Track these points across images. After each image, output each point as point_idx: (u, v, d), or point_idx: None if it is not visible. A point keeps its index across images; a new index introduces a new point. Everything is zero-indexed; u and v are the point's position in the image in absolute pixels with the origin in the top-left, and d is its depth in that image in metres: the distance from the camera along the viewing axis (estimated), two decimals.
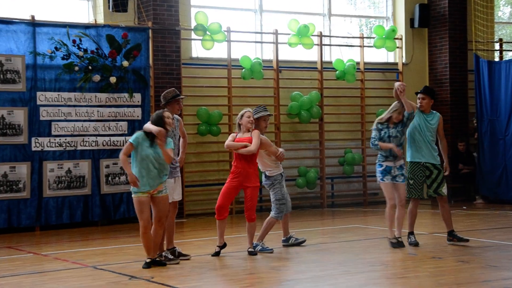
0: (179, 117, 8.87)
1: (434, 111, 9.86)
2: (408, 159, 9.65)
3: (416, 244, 9.38)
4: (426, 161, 9.51)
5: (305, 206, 14.57)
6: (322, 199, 14.84)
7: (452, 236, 9.59)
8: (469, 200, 15.21)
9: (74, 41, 12.12)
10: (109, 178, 12.41)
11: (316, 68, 14.84)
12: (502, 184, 14.83)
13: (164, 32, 13.06)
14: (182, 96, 8.88)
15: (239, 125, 9.01)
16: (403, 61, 15.84)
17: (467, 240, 9.52)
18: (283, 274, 7.92)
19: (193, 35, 13.62)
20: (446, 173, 9.62)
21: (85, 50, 12.21)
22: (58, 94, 12.13)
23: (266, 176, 9.28)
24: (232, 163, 9.05)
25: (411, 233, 9.64)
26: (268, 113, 9.42)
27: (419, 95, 9.79)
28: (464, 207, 14.22)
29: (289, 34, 14.31)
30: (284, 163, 13.72)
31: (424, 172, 9.53)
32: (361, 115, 15.37)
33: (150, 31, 12.87)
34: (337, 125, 15.23)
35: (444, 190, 9.61)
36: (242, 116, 9.01)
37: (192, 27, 13.53)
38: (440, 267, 7.99)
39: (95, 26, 12.53)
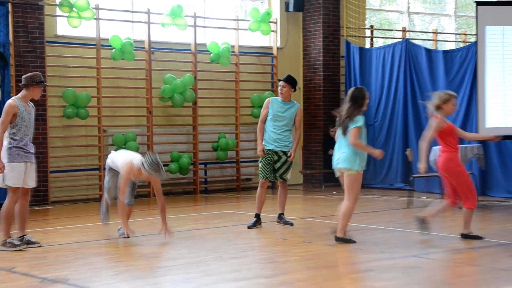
0: (33, 104, 8.77)
1: (294, 101, 10.25)
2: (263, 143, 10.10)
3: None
4: (273, 147, 10.02)
5: (177, 192, 14.67)
6: (195, 184, 14.97)
7: (280, 218, 10.20)
8: (338, 185, 15.66)
9: None
10: None
11: (190, 50, 14.90)
12: (370, 170, 15.20)
13: (25, 6, 12.79)
14: (46, 83, 8.82)
15: (438, 107, 8.87)
16: (278, 45, 16.10)
17: (292, 224, 10.12)
18: (154, 261, 8.01)
19: (58, 11, 13.38)
20: (290, 159, 10.11)
21: None
22: None
23: None
24: None
25: (280, 215, 10.11)
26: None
27: (280, 82, 10.15)
28: (334, 192, 14.56)
29: (162, 14, 14.30)
30: (156, 148, 13.96)
31: (273, 157, 10.01)
32: (235, 99, 15.54)
33: (9, 4, 12.57)
34: (211, 110, 15.37)
35: (288, 176, 10.21)
36: (447, 100, 8.87)
37: (57, 2, 13.26)
38: (310, 251, 8.28)
39: None
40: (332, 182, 15.76)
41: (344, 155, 8.64)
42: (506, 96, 12.28)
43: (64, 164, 13.63)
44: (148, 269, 7.62)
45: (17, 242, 8.50)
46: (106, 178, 9.48)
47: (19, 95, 8.63)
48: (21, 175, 8.45)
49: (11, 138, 8.43)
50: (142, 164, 8.75)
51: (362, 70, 15.58)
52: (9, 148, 8.42)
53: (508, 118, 12.32)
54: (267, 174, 10.05)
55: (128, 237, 9.02)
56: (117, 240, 8.98)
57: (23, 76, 8.66)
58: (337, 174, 8.92)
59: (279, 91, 10.14)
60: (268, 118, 10.05)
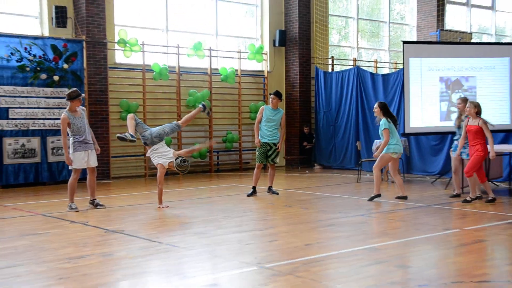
0: (83, 107, 8.73)
1: (280, 108, 10.26)
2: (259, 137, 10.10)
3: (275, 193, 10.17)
4: (267, 140, 10.02)
5: (198, 171, 14.71)
6: (210, 166, 14.99)
7: (269, 190, 10.25)
8: (310, 167, 15.81)
9: (25, 48, 11.71)
10: (54, 150, 12.11)
11: (207, 73, 14.91)
12: (332, 156, 15.46)
13: (94, 43, 12.80)
14: (83, 95, 8.78)
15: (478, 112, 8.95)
16: (268, 69, 16.11)
17: (277, 194, 10.16)
18: (181, 219, 8.04)
19: (117, 46, 13.40)
20: (278, 150, 10.16)
21: (34, 56, 11.82)
22: (14, 88, 11.69)
23: None
24: None
25: (269, 187, 10.14)
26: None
27: (271, 95, 10.19)
28: (307, 172, 14.68)
29: (187, 47, 14.32)
30: (183, 141, 13.94)
31: (266, 147, 10.00)
32: (238, 107, 15.55)
33: (84, 42, 12.58)
34: (221, 114, 15.37)
35: (277, 160, 10.26)
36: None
37: (116, 40, 13.31)
38: (289, 212, 8.34)
39: (42, 37, 12.13)
40: (306, 164, 15.87)
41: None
42: (423, 106, 12.36)
43: (121, 151, 13.64)
44: (177, 224, 7.67)
45: (74, 206, 8.55)
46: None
47: (67, 108, 8.55)
48: (82, 160, 8.46)
49: (74, 136, 8.47)
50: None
51: (326, 87, 15.59)
52: (73, 143, 8.48)
53: (424, 121, 12.41)
54: (262, 159, 10.08)
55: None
56: (156, 205, 8.99)
57: (67, 94, 8.59)
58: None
59: (270, 101, 10.16)
60: (263, 120, 10.08)
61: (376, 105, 9.48)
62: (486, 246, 6.19)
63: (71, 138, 8.48)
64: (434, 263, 5.43)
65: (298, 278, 4.87)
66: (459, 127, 9.67)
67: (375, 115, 9.55)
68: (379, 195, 9.32)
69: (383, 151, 9.28)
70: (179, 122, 9.17)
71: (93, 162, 8.66)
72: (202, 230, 7.03)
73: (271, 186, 10.28)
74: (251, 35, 16.41)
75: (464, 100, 9.67)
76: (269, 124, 10.05)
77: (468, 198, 9.04)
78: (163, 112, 14.27)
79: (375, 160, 11.74)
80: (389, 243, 6.17)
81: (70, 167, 8.57)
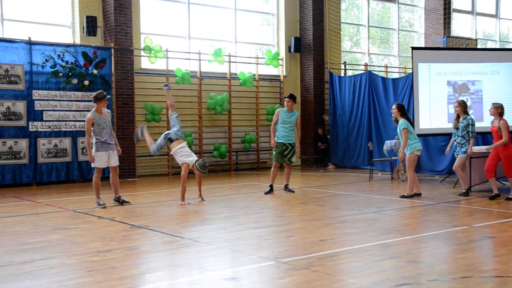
0: (108, 110, 8.72)
1: (295, 110, 10.15)
2: (275, 139, 9.98)
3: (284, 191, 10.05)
4: (283, 141, 9.90)
5: (218, 170, 14.69)
6: (230, 165, 14.94)
7: (286, 188, 10.15)
8: (324, 166, 15.70)
9: (59, 56, 11.78)
10: (84, 150, 12.17)
11: (226, 77, 14.87)
12: (345, 155, 15.35)
13: (122, 50, 12.83)
14: (108, 96, 8.78)
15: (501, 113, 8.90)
16: (284, 74, 16.05)
17: (293, 192, 10.03)
18: (203, 215, 8.01)
19: (142, 53, 13.43)
20: (297, 150, 10.09)
21: (67, 62, 11.89)
22: (48, 92, 11.78)
23: None
24: None
25: (286, 185, 10.05)
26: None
27: (286, 98, 10.08)
28: (321, 171, 14.58)
29: (208, 54, 14.30)
30: (204, 141, 13.94)
31: (283, 147, 9.90)
32: (256, 109, 15.48)
33: (112, 49, 12.62)
34: (240, 116, 15.32)
35: (293, 159, 10.12)
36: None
37: (142, 48, 13.33)
38: (305, 209, 8.25)
39: (74, 45, 12.19)
40: (320, 164, 15.76)
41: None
42: (431, 108, 12.20)
43: (146, 151, 13.61)
44: (198, 220, 7.62)
45: (102, 202, 8.53)
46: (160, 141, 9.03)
47: (93, 109, 8.54)
48: (103, 160, 8.45)
49: (96, 136, 8.45)
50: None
51: (341, 91, 15.47)
52: (96, 143, 8.46)
53: (432, 123, 12.25)
54: (278, 159, 9.98)
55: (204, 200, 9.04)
56: (178, 202, 8.96)
57: (93, 96, 8.59)
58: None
59: (285, 104, 10.06)
60: (279, 122, 9.98)
61: (394, 106, 9.44)
62: (495, 242, 6.04)
63: (93, 138, 8.47)
64: (443, 258, 5.31)
65: (314, 272, 4.78)
66: (456, 128, 9.54)
67: (393, 115, 9.48)
68: (419, 194, 9.18)
69: (408, 152, 9.15)
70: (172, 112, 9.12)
71: (114, 162, 8.64)
72: (222, 226, 6.98)
73: (288, 185, 10.19)
74: (268, 42, 16.36)
75: (461, 103, 9.53)
76: (285, 126, 9.96)
77: (510, 196, 8.88)
78: (186, 115, 14.25)
79: (387, 159, 11.64)
80: (400, 239, 6.06)
81: (92, 165, 8.57)
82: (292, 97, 10.05)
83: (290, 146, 10.00)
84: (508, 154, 8.80)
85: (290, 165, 10.19)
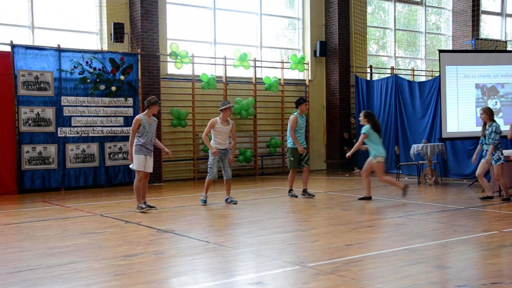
0: (155, 119, 8.87)
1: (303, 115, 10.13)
2: (290, 145, 9.90)
3: (295, 196, 9.99)
4: (304, 147, 9.90)
5: (243, 174, 14.70)
6: (255, 169, 14.95)
7: (305, 192, 10.02)
8: (350, 170, 15.58)
9: (87, 62, 11.96)
10: (111, 155, 12.32)
11: (252, 82, 14.90)
12: None
13: (148, 56, 12.98)
14: (159, 101, 8.90)
15: None
16: (309, 78, 16.00)
17: (314, 196, 9.96)
18: (229, 219, 8.03)
19: (169, 59, 13.55)
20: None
21: (95, 68, 12.06)
22: (76, 98, 11.96)
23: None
24: None
25: (304, 190, 9.98)
26: (232, 105, 9.46)
27: (306, 102, 10.03)
28: (347, 175, 14.50)
29: (233, 59, 14.35)
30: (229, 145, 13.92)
31: (301, 154, 9.88)
32: (281, 114, 15.45)
33: (139, 55, 12.77)
34: (265, 121, 15.32)
35: (308, 162, 10.10)
36: None
37: (168, 53, 13.45)
38: (330, 214, 8.21)
39: (101, 52, 12.38)
40: (346, 168, 15.65)
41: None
42: (459, 112, 12.03)
43: (172, 156, 13.71)
44: (224, 225, 7.64)
45: (144, 206, 8.60)
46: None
47: (144, 112, 8.71)
48: (142, 163, 8.53)
49: (138, 139, 8.53)
50: None
51: (368, 94, 15.35)
52: (136, 145, 8.52)
53: (460, 126, 12.07)
54: (296, 165, 9.97)
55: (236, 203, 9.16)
56: (203, 206, 9.00)
57: (146, 100, 8.76)
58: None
59: (305, 108, 9.95)
60: (296, 128, 9.89)
61: (361, 114, 9.52)
62: None
63: (135, 140, 8.57)
64: (472, 264, 5.22)
65: (340, 277, 4.75)
66: (484, 136, 9.35)
67: (360, 123, 9.50)
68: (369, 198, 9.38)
69: (374, 161, 9.31)
70: None
71: (150, 168, 8.72)
72: (247, 230, 6.98)
73: (306, 189, 10.10)
74: (293, 46, 16.34)
75: (486, 110, 9.36)
76: (300, 131, 9.92)
77: None
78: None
79: (414, 163, 11.57)
80: (427, 244, 5.98)
81: (131, 167, 8.65)
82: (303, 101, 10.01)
83: (306, 150, 9.96)
84: None
85: (308, 169, 10.09)
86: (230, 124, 9.21)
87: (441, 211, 8.36)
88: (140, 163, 8.52)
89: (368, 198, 9.34)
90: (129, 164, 8.75)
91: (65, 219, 8.16)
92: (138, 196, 8.63)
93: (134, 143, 8.55)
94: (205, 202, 9.17)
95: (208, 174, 9.19)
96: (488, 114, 9.30)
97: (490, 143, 9.16)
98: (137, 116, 8.62)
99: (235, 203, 9.05)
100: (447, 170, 13.18)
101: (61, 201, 10.20)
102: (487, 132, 9.23)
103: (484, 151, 9.45)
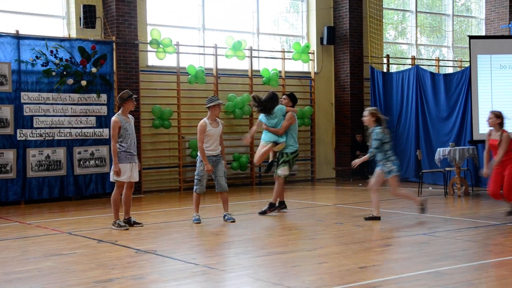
0: (132, 116, 8.85)
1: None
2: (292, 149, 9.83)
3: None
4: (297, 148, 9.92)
5: (238, 184, 14.69)
6: (251, 178, 14.96)
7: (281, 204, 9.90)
8: (363, 179, 15.55)
9: (51, 52, 11.95)
10: (81, 162, 12.30)
11: (247, 75, 14.93)
12: None
13: (125, 45, 12.98)
14: (135, 96, 8.88)
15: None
16: (315, 70, 16.04)
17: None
18: (221, 237, 8.02)
19: (149, 48, 13.55)
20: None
21: (61, 59, 12.05)
22: (39, 94, 11.94)
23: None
24: None
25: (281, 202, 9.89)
26: (222, 102, 9.36)
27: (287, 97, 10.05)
28: (360, 184, 14.48)
29: (226, 48, 14.37)
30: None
31: None
32: None
33: (114, 44, 12.76)
34: None
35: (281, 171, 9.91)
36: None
37: (148, 41, 13.45)
38: (341, 230, 8.20)
39: (69, 39, 12.37)
40: (359, 176, 15.64)
41: None
42: (494, 109, 12.04)
43: (153, 162, 13.75)
44: (216, 244, 7.63)
45: (123, 224, 8.57)
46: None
47: (119, 111, 8.70)
48: (128, 172, 8.51)
49: (119, 145, 8.50)
50: None
51: (385, 89, 15.36)
52: (118, 153, 8.50)
53: None
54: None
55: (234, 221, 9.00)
56: (192, 221, 8.98)
57: (118, 96, 8.75)
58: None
59: (286, 103, 9.93)
60: (293, 127, 9.86)
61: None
62: None
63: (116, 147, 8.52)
64: None
65: None
66: None
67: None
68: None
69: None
70: None
71: (136, 177, 8.70)
72: (243, 250, 6.97)
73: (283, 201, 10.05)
74: (296, 32, 16.37)
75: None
76: (296, 131, 9.89)
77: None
78: (200, 119, 14.23)
79: (440, 171, 11.51)
80: (457, 267, 5.98)
81: (112, 179, 8.62)
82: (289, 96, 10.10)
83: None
84: None
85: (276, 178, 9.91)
86: (220, 125, 9.14)
87: (473, 227, 8.36)
88: (125, 172, 8.49)
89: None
90: (109, 174, 8.69)
91: (26, 239, 8.11)
92: (116, 211, 8.60)
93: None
94: (199, 220, 9.02)
95: (195, 187, 8.99)
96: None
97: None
98: (113, 118, 8.58)
99: (233, 221, 9.00)
100: (479, 178, 13.18)
101: (21, 217, 10.16)
102: None
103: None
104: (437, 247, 7.03)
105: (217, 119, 9.12)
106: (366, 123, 9.09)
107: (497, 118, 8.95)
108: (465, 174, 12.69)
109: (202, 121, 9.06)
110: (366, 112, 9.09)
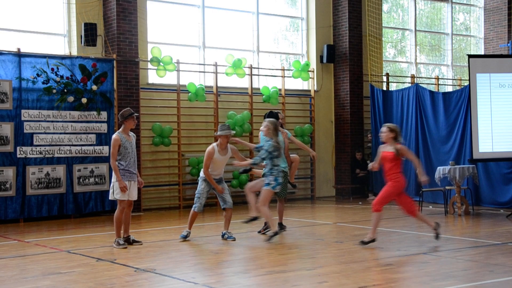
0: (134, 134, 8.86)
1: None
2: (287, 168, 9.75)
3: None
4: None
5: (238, 202, 14.61)
6: None
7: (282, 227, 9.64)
8: (364, 197, 15.53)
9: (52, 69, 11.98)
10: (81, 180, 12.27)
11: (247, 93, 14.94)
12: None
13: (126, 62, 13.01)
14: (136, 114, 8.88)
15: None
16: (315, 88, 16.06)
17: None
18: (221, 256, 7.98)
19: (149, 65, 13.59)
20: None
21: (62, 77, 12.07)
22: (39, 112, 11.95)
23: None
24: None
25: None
26: (233, 132, 9.35)
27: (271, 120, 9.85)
28: (360, 203, 14.45)
29: (226, 65, 14.41)
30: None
31: None
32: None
33: (114, 61, 12.80)
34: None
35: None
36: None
37: (149, 59, 13.49)
38: (341, 249, 8.16)
39: (70, 57, 12.40)
40: (358, 194, 15.60)
41: None
42: (493, 128, 12.05)
43: (153, 180, 13.71)
44: (215, 262, 7.60)
45: (122, 242, 8.53)
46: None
47: (120, 129, 8.69)
48: (126, 191, 8.49)
49: (118, 163, 8.49)
50: None
51: (385, 107, 15.36)
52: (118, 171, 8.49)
53: (495, 145, 12.08)
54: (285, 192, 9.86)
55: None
56: (192, 240, 8.95)
57: (119, 114, 8.76)
58: None
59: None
60: (284, 147, 9.77)
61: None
62: None
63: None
64: None
65: None
66: None
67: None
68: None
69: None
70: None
71: (135, 195, 8.69)
72: (243, 269, 6.93)
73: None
74: (295, 51, 16.43)
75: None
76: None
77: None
78: (200, 137, 14.31)
79: (440, 189, 11.46)
80: (457, 287, 5.91)
81: (111, 197, 8.59)
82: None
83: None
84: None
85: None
86: (229, 152, 9.07)
87: (474, 247, 8.32)
88: (125, 191, 8.47)
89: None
90: (108, 192, 8.66)
91: (25, 257, 8.07)
92: (118, 229, 8.57)
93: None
94: (185, 237, 9.01)
95: (194, 206, 9.01)
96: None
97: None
98: (114, 136, 8.58)
99: (234, 240, 8.96)
100: (479, 197, 13.15)
101: (20, 235, 10.11)
102: None
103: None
104: (437, 267, 6.99)
105: (228, 146, 9.06)
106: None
107: (391, 132, 8.57)
108: (465, 193, 12.66)
109: (211, 146, 9.04)
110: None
